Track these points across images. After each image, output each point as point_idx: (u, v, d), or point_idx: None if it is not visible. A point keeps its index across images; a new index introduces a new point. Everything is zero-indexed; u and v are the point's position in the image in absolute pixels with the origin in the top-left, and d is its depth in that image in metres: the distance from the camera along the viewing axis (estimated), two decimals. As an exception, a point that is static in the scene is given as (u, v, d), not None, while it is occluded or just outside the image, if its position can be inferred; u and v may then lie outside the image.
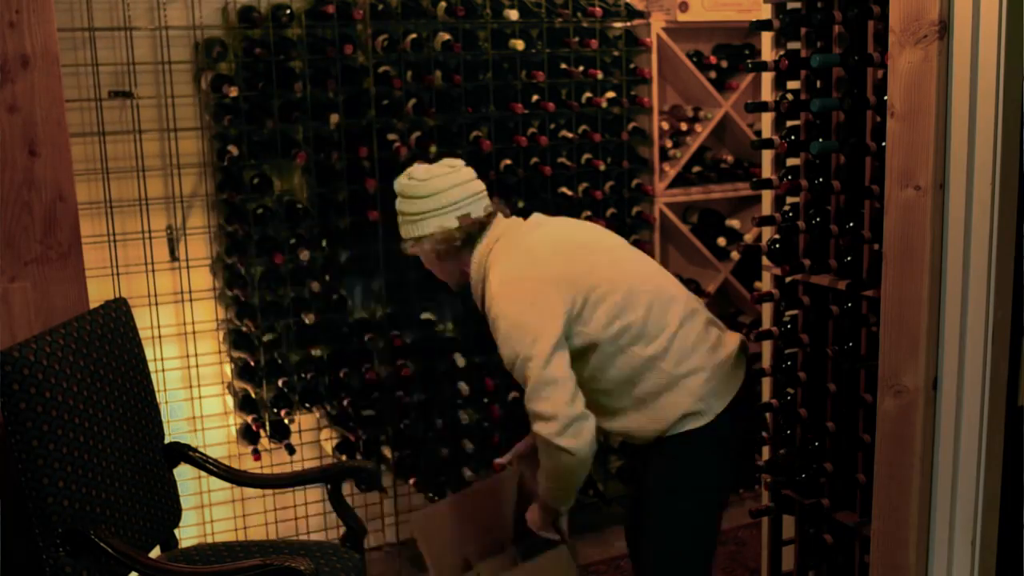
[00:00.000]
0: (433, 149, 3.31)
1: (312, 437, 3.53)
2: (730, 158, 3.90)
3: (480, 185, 2.32)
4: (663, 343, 2.19)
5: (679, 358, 2.19)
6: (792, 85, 2.49)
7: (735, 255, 3.88)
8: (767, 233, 2.66)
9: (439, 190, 2.24)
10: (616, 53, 3.64)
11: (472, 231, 2.26)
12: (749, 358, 2.35)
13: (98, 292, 2.92)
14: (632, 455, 2.94)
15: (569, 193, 3.58)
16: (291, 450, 3.30)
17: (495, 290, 2.18)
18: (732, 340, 2.30)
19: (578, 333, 2.16)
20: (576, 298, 2.15)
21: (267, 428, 3.28)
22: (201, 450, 2.66)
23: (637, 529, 2.42)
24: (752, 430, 2.58)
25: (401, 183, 2.29)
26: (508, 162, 3.47)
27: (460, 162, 2.33)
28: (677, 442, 2.22)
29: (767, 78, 2.60)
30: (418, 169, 2.29)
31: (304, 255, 3.22)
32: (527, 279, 2.17)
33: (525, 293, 2.15)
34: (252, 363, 3.23)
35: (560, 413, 2.06)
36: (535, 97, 3.50)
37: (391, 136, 3.33)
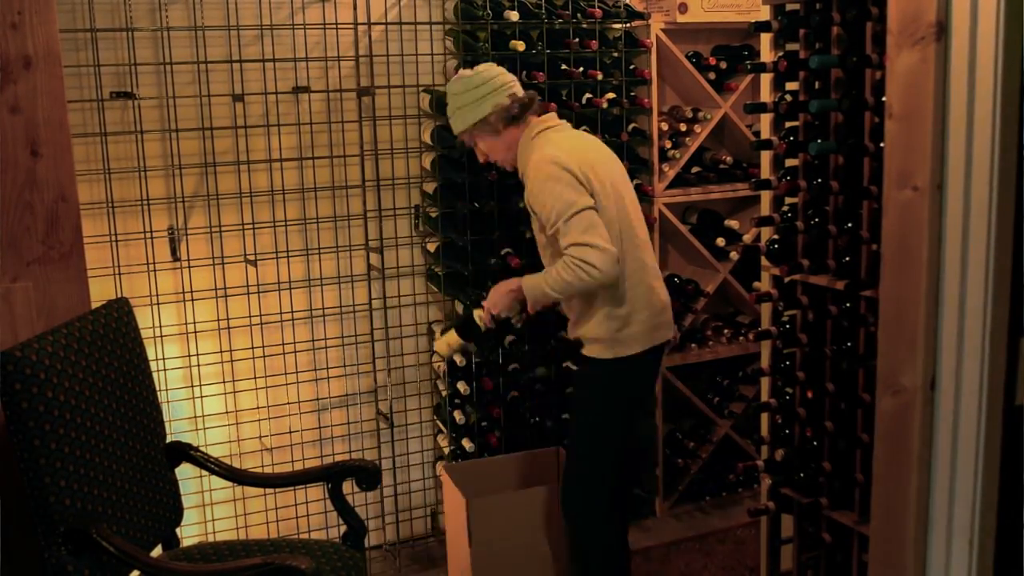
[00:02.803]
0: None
1: (314, 436, 3.55)
2: (729, 159, 3.91)
3: (513, 76, 2.82)
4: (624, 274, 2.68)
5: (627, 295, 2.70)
6: (791, 86, 2.50)
7: (734, 255, 3.89)
8: (766, 233, 2.67)
9: (490, 76, 2.76)
10: (616, 54, 3.65)
11: (523, 103, 2.76)
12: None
13: (100, 292, 2.93)
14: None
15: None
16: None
17: (534, 166, 2.67)
18: (665, 298, 2.81)
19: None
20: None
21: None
22: (202, 449, 2.68)
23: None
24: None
25: (455, 80, 2.81)
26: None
27: (491, 64, 2.85)
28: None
29: (766, 79, 2.60)
30: (465, 70, 2.82)
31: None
32: (560, 163, 2.62)
33: (562, 173, 2.61)
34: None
35: (608, 246, 2.54)
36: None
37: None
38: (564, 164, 2.61)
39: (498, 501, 3.11)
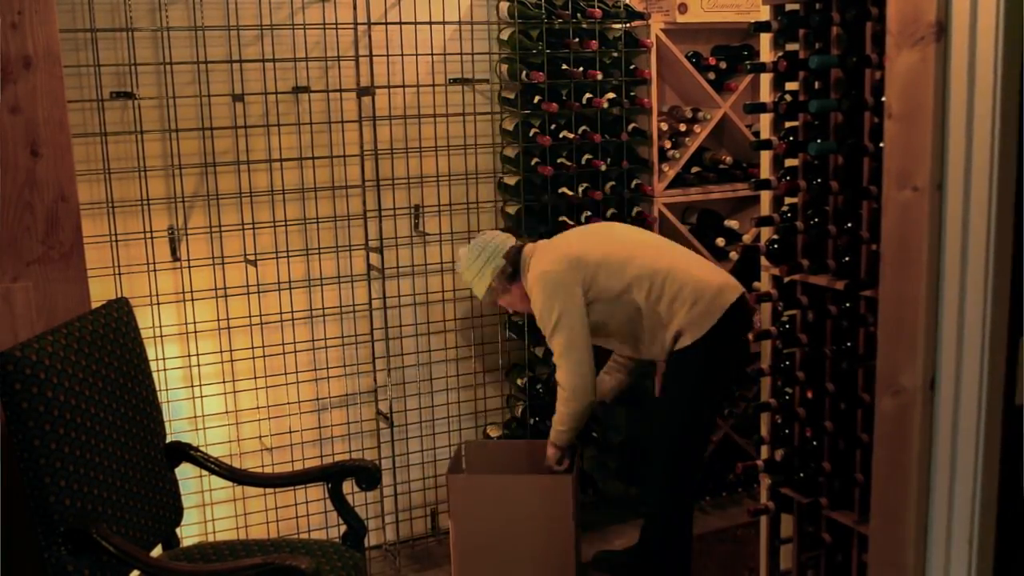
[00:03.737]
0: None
1: (314, 436, 3.55)
2: (729, 159, 3.91)
3: (501, 234, 3.21)
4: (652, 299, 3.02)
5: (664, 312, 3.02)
6: (791, 86, 2.49)
7: (734, 255, 3.89)
8: (766, 233, 2.66)
9: (480, 249, 3.16)
10: (615, 54, 3.65)
11: (514, 259, 3.14)
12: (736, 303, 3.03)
13: (100, 292, 2.93)
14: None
15: (569, 193, 3.59)
16: None
17: (529, 285, 3.09)
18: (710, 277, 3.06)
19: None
20: (585, 274, 3.01)
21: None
22: (202, 449, 2.68)
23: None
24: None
25: (459, 263, 3.24)
26: (508, 162, 3.49)
27: (484, 232, 3.26)
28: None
29: (766, 79, 2.60)
30: (462, 249, 3.25)
31: None
32: (548, 272, 3.02)
33: (547, 283, 3.00)
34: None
35: (572, 383, 2.99)
36: (536, 98, 3.51)
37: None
38: (542, 277, 3.01)
39: (481, 481, 3.19)
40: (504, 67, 3.60)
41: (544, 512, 3.10)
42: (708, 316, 2.97)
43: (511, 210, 3.67)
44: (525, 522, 3.11)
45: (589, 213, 3.64)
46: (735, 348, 3.06)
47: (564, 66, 3.52)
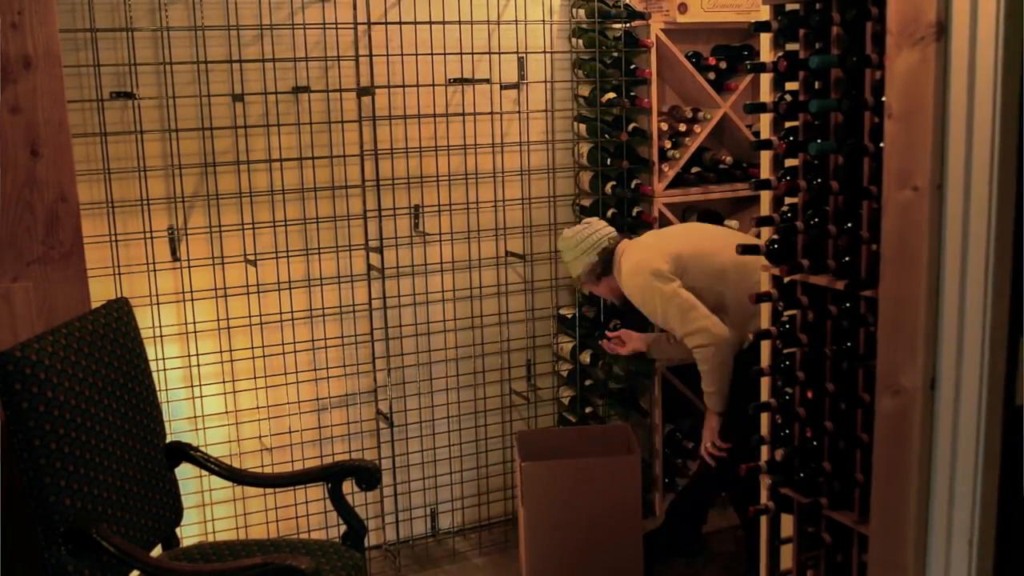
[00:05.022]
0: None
1: (314, 436, 3.55)
2: (729, 159, 3.91)
3: (604, 227, 3.40)
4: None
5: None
6: (791, 86, 2.49)
7: (734, 255, 3.89)
8: (765, 233, 2.66)
9: (582, 239, 3.36)
10: (616, 54, 3.65)
11: (606, 257, 3.34)
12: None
13: (100, 292, 2.93)
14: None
15: (569, 193, 3.60)
16: None
17: (624, 280, 3.29)
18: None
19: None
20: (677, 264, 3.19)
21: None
22: (202, 449, 2.68)
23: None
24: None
25: (561, 238, 3.45)
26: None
27: (591, 222, 3.42)
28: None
29: (766, 79, 2.60)
30: (567, 230, 3.44)
31: None
32: (642, 264, 3.21)
33: (642, 275, 3.20)
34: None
35: (703, 329, 3.12)
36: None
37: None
38: (647, 268, 3.17)
39: (553, 467, 3.27)
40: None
41: (612, 492, 3.23)
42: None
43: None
44: (594, 503, 3.24)
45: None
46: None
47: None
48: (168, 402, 3.22)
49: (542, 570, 3.28)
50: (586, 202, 3.80)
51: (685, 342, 3.18)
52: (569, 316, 3.81)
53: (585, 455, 3.42)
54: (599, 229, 3.38)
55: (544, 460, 3.34)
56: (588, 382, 3.83)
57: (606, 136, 3.66)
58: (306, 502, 3.52)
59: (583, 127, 3.76)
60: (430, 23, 3.48)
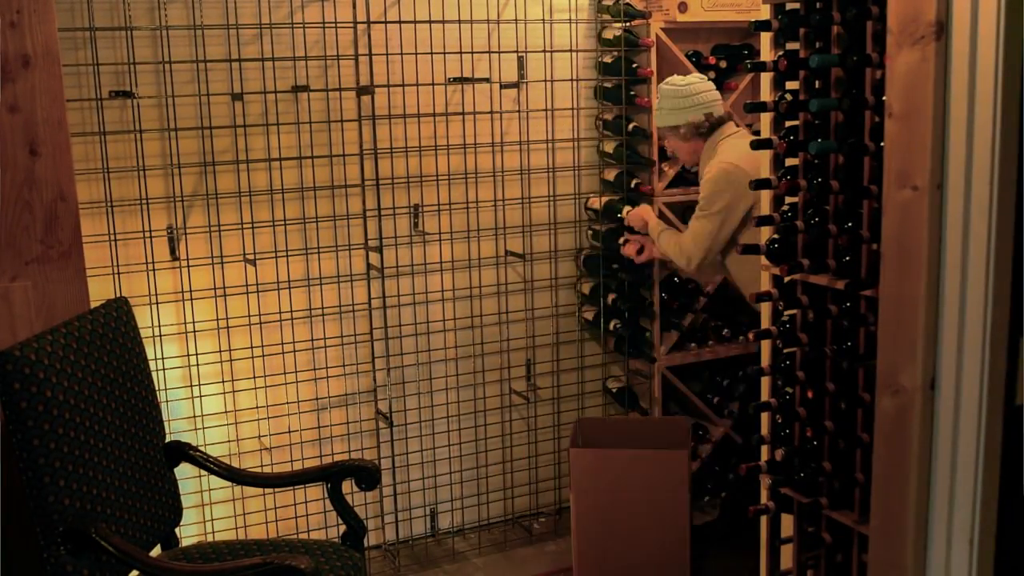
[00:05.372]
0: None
1: (313, 436, 3.54)
2: (729, 158, 3.89)
3: (718, 95, 3.33)
4: None
5: None
6: (791, 85, 2.49)
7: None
8: (766, 233, 2.66)
9: (694, 92, 3.24)
10: (616, 53, 3.64)
11: (712, 123, 3.27)
12: None
13: (99, 291, 2.93)
14: None
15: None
16: None
17: (712, 164, 3.22)
18: None
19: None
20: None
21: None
22: (201, 449, 2.67)
23: None
24: None
25: (667, 83, 3.30)
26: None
27: (703, 79, 3.34)
28: None
29: (766, 78, 2.60)
30: (677, 77, 3.30)
31: None
32: (739, 168, 3.13)
33: (729, 176, 3.16)
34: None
35: (691, 260, 3.30)
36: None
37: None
38: (732, 171, 3.13)
39: (602, 455, 3.31)
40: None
41: (659, 485, 3.25)
42: None
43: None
44: (642, 493, 3.27)
45: (589, 212, 3.64)
46: None
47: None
48: (167, 402, 3.22)
49: (590, 555, 3.34)
50: (594, 203, 3.81)
51: (673, 238, 3.32)
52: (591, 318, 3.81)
53: (639, 446, 3.46)
54: (712, 90, 3.31)
55: (597, 448, 3.41)
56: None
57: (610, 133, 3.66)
58: (305, 502, 3.52)
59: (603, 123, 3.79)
60: (430, 22, 3.48)
